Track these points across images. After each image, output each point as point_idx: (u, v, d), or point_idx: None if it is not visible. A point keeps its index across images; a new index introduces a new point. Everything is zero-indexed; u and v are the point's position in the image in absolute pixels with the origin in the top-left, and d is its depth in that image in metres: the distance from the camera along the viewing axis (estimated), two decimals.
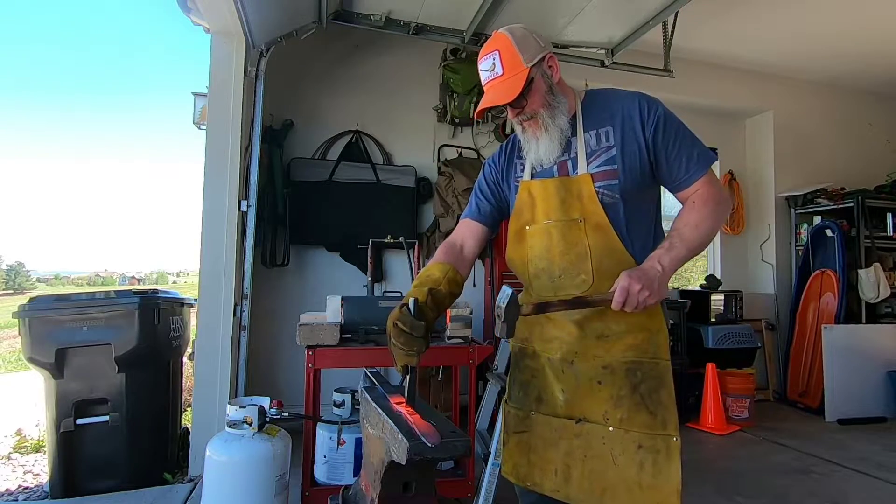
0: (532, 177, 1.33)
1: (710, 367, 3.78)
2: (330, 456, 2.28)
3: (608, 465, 1.21)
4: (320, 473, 2.31)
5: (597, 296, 1.18)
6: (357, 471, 2.22)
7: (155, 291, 2.69)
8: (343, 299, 2.31)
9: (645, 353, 1.24)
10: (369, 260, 3.41)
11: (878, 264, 4.29)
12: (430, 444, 0.95)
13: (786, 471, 2.98)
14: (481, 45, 1.38)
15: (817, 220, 4.65)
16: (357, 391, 2.18)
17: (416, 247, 3.40)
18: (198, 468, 2.54)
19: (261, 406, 1.98)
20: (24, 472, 2.94)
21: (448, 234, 1.78)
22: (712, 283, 4.50)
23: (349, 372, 2.51)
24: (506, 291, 1.15)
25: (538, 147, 1.28)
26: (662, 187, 1.32)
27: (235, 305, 2.82)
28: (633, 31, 3.47)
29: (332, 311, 2.28)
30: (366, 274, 3.56)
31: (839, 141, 5.11)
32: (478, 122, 4.07)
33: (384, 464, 1.07)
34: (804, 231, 4.74)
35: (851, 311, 4.35)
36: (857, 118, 5.20)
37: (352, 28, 3.43)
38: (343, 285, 3.64)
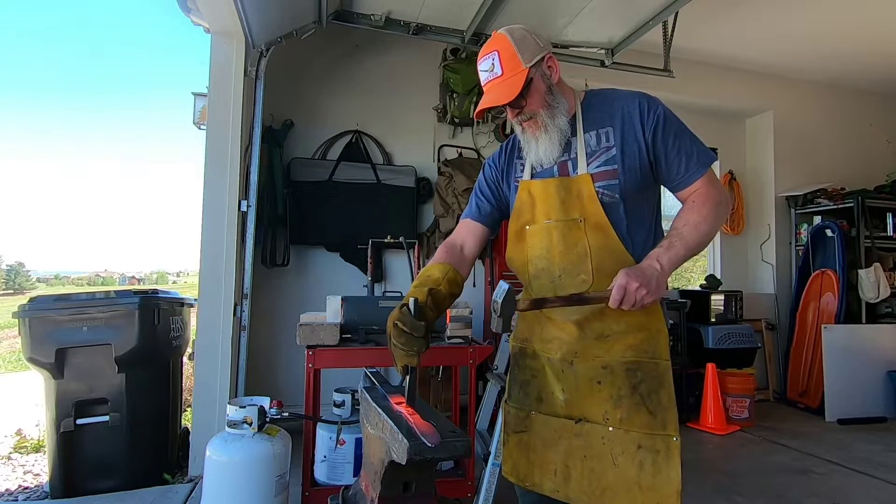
0: (532, 177, 1.33)
1: (710, 367, 3.78)
2: (330, 456, 2.28)
3: (608, 466, 1.21)
4: (320, 473, 2.31)
5: (594, 293, 1.18)
6: (357, 471, 2.22)
7: (155, 291, 2.69)
8: (343, 299, 2.31)
9: (645, 353, 1.24)
10: (369, 260, 3.42)
11: (878, 264, 4.29)
12: (430, 444, 0.95)
13: (786, 471, 2.98)
14: (481, 46, 1.39)
15: (817, 220, 4.66)
16: (357, 391, 2.18)
17: (416, 247, 3.40)
18: (198, 468, 2.54)
19: (261, 406, 1.98)
20: (24, 472, 2.94)
21: (448, 234, 1.78)
22: (712, 283, 4.50)
23: (349, 372, 2.52)
24: (502, 287, 1.15)
25: (538, 147, 1.28)
26: (662, 187, 1.32)
27: (235, 305, 2.82)
28: (633, 31, 3.47)
29: (332, 311, 2.28)
30: (366, 274, 3.56)
31: (839, 141, 5.11)
32: (478, 123, 4.07)
33: (384, 464, 1.07)
34: (804, 231, 4.74)
35: (851, 311, 4.35)
36: (857, 118, 5.20)
37: (352, 28, 3.43)
38: (343, 285, 3.64)
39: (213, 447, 1.95)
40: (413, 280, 1.59)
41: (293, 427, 2.25)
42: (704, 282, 4.59)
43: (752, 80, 4.81)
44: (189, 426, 2.84)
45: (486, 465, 2.16)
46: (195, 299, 2.87)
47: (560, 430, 1.28)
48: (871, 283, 4.24)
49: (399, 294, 2.73)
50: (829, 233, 4.45)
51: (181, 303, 2.86)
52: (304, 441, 2.25)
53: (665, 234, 1.25)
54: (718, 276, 4.70)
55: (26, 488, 2.73)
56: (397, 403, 1.17)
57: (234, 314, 2.80)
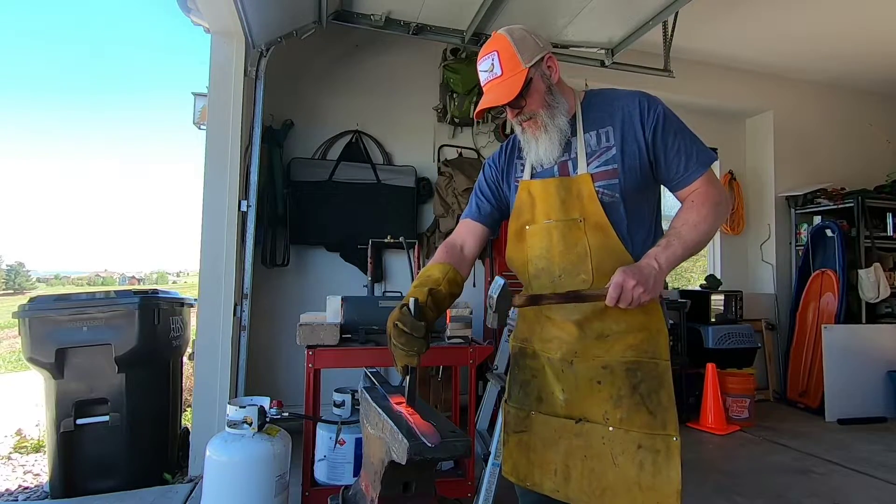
0: (532, 177, 1.33)
1: (710, 367, 3.78)
2: (330, 456, 2.28)
3: (608, 465, 1.21)
4: (320, 473, 2.31)
5: (591, 290, 1.18)
6: (357, 471, 2.22)
7: (155, 291, 2.69)
8: (343, 299, 2.31)
9: (644, 353, 1.24)
10: (369, 260, 3.42)
11: (878, 264, 4.29)
12: (430, 444, 0.95)
13: (786, 471, 2.98)
14: (481, 46, 1.39)
15: (817, 220, 4.66)
16: (357, 391, 2.18)
17: (416, 247, 3.40)
18: (198, 468, 2.54)
19: (261, 406, 1.98)
20: (24, 472, 2.94)
21: (448, 234, 1.78)
22: (712, 283, 4.50)
23: (349, 372, 2.52)
24: (498, 282, 1.15)
25: (538, 147, 1.28)
26: (663, 187, 1.32)
27: (235, 305, 2.82)
28: (633, 31, 3.47)
29: (332, 311, 2.28)
30: (366, 274, 3.56)
31: (839, 141, 5.11)
32: (478, 123, 4.07)
33: (384, 464, 1.07)
34: (804, 231, 4.74)
35: (851, 311, 4.35)
36: (857, 118, 5.20)
37: (352, 28, 3.43)
38: (343, 285, 3.64)
39: (213, 447, 1.95)
40: (413, 280, 1.59)
41: (293, 427, 2.25)
42: (704, 282, 4.59)
43: (752, 80, 4.81)
44: (189, 426, 2.84)
45: (486, 465, 2.16)
46: (195, 299, 2.87)
47: (560, 430, 1.28)
48: (871, 283, 4.24)
49: (399, 294, 2.73)
50: (829, 233, 4.45)
51: (181, 303, 2.86)
52: (304, 441, 2.25)
53: (664, 233, 1.25)
54: (718, 276, 4.70)
55: (26, 488, 2.73)
56: (397, 403, 1.17)
57: (234, 314, 2.80)
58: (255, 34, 2.86)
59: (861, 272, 4.29)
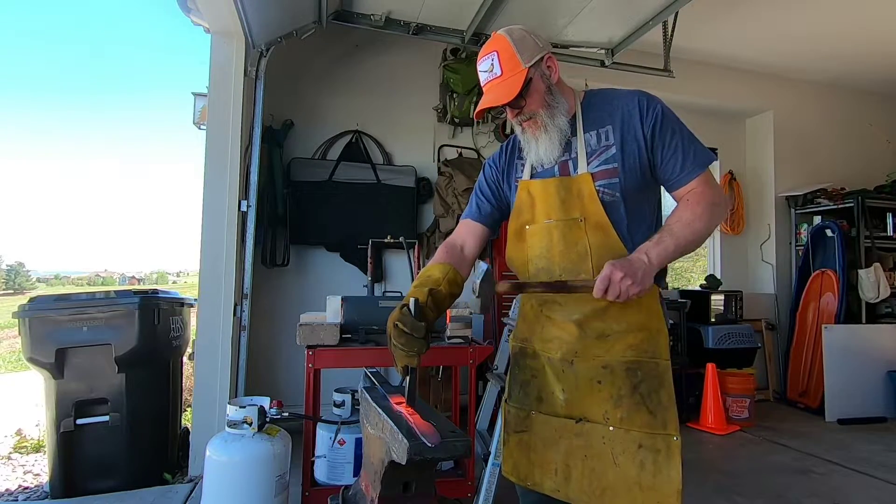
0: (532, 177, 1.33)
1: (710, 367, 3.78)
2: (330, 456, 2.28)
3: (608, 465, 1.21)
4: (320, 473, 2.31)
5: (579, 281, 1.17)
6: (357, 471, 2.22)
7: (155, 291, 2.69)
8: (343, 299, 2.31)
9: (645, 352, 1.24)
10: (369, 260, 3.42)
11: (878, 264, 4.29)
12: (430, 444, 0.95)
13: (786, 471, 2.98)
14: (481, 46, 1.39)
15: (817, 220, 4.66)
16: (357, 391, 2.18)
17: (416, 247, 3.40)
18: (198, 468, 2.54)
19: (261, 406, 1.98)
20: (24, 472, 2.94)
21: (448, 234, 1.78)
22: (712, 283, 4.50)
23: (349, 372, 2.51)
24: (481, 266, 1.15)
25: (538, 147, 1.28)
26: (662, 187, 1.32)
27: (235, 305, 2.82)
28: (633, 31, 3.47)
29: (332, 311, 2.28)
30: (366, 274, 3.56)
31: (839, 141, 5.11)
32: (478, 123, 4.07)
33: (384, 464, 1.07)
34: (804, 231, 4.74)
35: (851, 311, 4.35)
36: (857, 118, 5.20)
37: (352, 28, 3.43)
38: (343, 285, 3.64)
39: (213, 447, 1.95)
40: (413, 280, 1.58)
41: (293, 427, 2.24)
42: (704, 282, 4.59)
43: (752, 80, 4.81)
44: (189, 426, 2.84)
45: (486, 465, 2.16)
46: (195, 299, 2.87)
47: (560, 430, 1.28)
48: (871, 283, 4.24)
49: (399, 294, 2.73)
50: (829, 233, 4.45)
51: (181, 303, 2.86)
52: (304, 441, 2.25)
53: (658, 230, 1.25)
54: (718, 276, 4.70)
55: (26, 488, 2.73)
56: (397, 403, 1.17)
57: (234, 314, 2.80)
58: (255, 34, 2.86)
59: (861, 272, 4.29)
